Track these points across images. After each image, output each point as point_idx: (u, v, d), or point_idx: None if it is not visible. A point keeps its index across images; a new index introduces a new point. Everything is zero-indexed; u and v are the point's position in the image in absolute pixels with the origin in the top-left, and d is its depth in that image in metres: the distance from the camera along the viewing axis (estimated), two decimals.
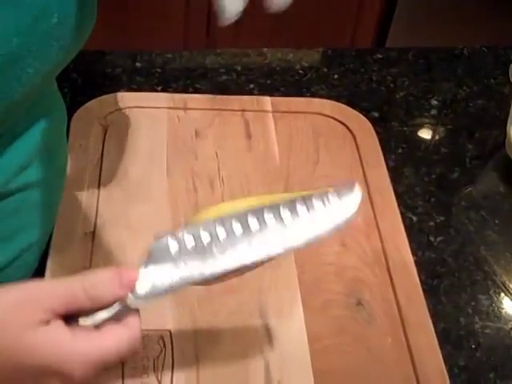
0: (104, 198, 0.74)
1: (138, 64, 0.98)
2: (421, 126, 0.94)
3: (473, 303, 0.73)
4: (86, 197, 0.73)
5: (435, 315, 0.69)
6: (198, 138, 0.82)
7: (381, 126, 0.90)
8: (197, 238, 0.49)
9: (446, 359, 0.65)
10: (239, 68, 0.97)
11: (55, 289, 0.47)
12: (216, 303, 0.66)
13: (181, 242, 0.49)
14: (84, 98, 0.86)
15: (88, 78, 0.94)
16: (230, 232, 0.49)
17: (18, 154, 0.61)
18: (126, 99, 0.86)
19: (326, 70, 1.01)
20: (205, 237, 0.49)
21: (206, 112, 0.86)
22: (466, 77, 1.02)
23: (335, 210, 0.51)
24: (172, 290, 0.48)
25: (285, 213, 0.50)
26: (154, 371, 0.60)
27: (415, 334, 0.66)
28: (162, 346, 0.62)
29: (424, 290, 0.70)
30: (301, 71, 1.00)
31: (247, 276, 0.68)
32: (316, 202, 0.50)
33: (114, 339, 0.47)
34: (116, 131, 0.82)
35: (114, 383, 0.59)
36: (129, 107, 0.85)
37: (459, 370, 0.67)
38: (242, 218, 0.50)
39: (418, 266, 0.72)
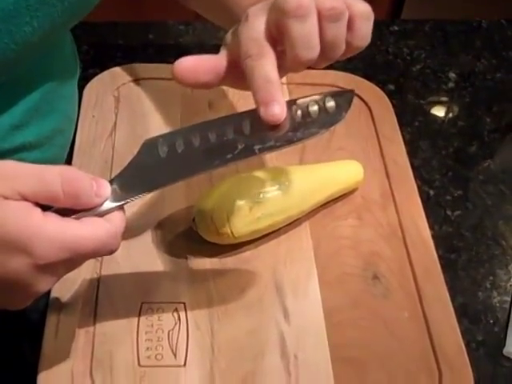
0: (117, 169, 0.73)
1: (150, 36, 0.96)
2: (438, 99, 0.92)
3: (491, 278, 0.72)
4: (99, 168, 0.73)
5: (453, 290, 0.68)
6: (212, 109, 0.81)
7: (397, 98, 0.89)
8: (187, 143, 0.51)
9: (464, 334, 0.64)
10: None
11: (26, 168, 0.43)
12: (230, 276, 0.66)
13: (171, 146, 0.51)
14: (96, 69, 0.85)
15: (100, 50, 0.93)
16: (220, 134, 0.51)
17: (12, 113, 0.59)
18: (139, 71, 0.84)
19: None
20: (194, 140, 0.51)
21: None
22: (484, 50, 1.00)
23: (329, 111, 0.53)
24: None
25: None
26: (169, 343, 0.60)
27: (432, 309, 0.65)
28: (177, 318, 0.61)
29: (441, 265, 0.69)
30: None
31: (262, 249, 0.68)
32: (312, 108, 0.53)
33: (91, 229, 0.44)
34: (129, 103, 0.81)
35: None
36: (142, 79, 0.83)
37: (477, 345, 0.66)
38: (237, 121, 0.52)
39: (436, 241, 0.71)
